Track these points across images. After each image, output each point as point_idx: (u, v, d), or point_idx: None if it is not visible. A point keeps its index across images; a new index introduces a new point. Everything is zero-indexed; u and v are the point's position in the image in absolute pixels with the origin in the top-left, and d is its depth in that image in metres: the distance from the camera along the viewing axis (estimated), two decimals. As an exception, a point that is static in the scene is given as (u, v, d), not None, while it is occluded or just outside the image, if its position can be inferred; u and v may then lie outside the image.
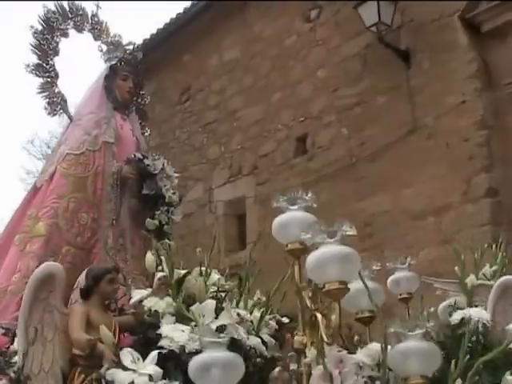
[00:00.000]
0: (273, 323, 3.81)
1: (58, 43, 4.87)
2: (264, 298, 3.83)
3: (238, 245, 11.77)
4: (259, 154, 11.78)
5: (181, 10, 12.93)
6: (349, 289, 2.99)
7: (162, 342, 3.19)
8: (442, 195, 9.27)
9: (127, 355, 3.07)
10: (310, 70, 11.39)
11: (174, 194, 4.79)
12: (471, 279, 4.71)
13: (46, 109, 4.64)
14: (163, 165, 4.77)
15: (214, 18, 12.60)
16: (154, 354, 3.11)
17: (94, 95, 4.76)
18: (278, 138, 11.56)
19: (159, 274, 3.50)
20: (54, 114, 4.69)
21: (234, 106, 12.53)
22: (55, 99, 4.72)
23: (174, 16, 13.08)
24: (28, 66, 4.74)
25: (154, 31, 13.32)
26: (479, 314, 4.16)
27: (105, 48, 5.03)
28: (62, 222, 4.28)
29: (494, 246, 5.32)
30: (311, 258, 2.98)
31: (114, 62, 4.87)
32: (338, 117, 10.73)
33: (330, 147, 10.80)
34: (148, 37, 13.25)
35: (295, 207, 3.26)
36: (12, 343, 3.52)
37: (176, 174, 4.94)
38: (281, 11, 11.87)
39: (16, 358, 3.30)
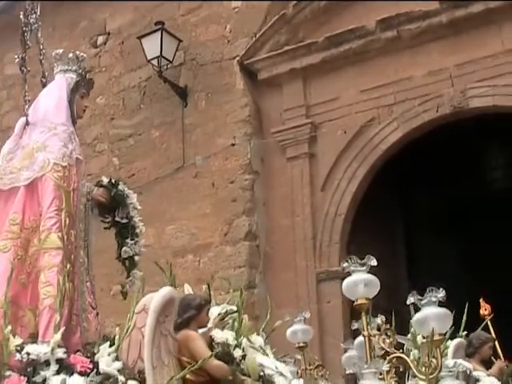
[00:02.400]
0: None
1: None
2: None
3: None
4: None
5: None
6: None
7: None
8: (203, 234, 9.32)
9: None
10: (90, 97, 11.07)
11: (142, 226, 4.83)
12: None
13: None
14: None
15: (-2, 31, 12.06)
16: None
17: (62, 106, 4.51)
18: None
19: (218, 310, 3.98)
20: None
21: (10, 122, 11.99)
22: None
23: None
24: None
25: None
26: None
27: (62, 56, 4.79)
28: (64, 237, 4.11)
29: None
30: (347, 281, 3.84)
31: (77, 78, 4.68)
32: (110, 146, 10.54)
33: (100, 175, 10.52)
34: None
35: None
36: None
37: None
38: (68, 32, 11.57)
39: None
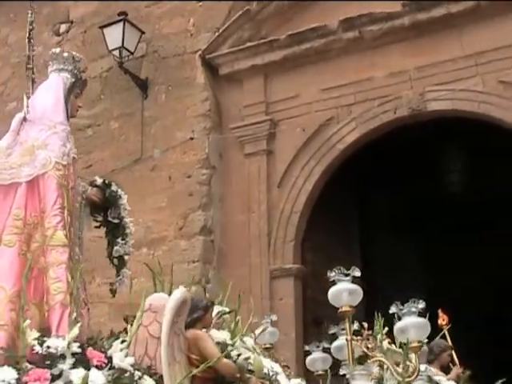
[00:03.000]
0: None
1: None
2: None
3: None
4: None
5: None
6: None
7: None
8: (158, 227, 9.27)
9: None
10: (50, 85, 11.03)
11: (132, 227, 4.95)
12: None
13: None
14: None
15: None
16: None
17: (60, 105, 4.54)
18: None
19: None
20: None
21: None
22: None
23: None
24: None
25: None
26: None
27: (58, 56, 4.78)
28: (67, 235, 4.20)
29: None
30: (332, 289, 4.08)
31: (73, 78, 4.74)
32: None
33: (57, 165, 10.46)
34: None
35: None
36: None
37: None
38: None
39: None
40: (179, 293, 3.73)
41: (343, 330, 4.25)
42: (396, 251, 12.11)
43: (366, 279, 10.49)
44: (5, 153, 4.22)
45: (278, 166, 9.10)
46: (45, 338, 3.44)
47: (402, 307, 3.95)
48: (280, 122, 9.23)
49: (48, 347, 3.32)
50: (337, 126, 8.99)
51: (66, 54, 4.70)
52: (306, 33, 9.12)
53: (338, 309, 4.22)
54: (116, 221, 4.78)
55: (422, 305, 3.93)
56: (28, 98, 4.44)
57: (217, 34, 9.60)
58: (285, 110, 9.22)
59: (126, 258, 4.90)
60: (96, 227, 4.95)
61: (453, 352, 6.99)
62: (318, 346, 5.20)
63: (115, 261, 4.86)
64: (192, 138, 9.36)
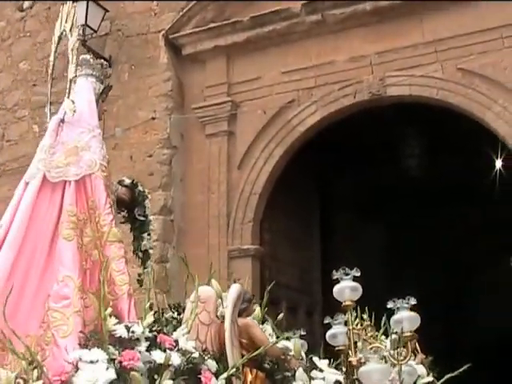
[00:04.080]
0: None
1: None
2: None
3: None
4: None
5: None
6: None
7: None
8: (117, 207, 9.26)
9: None
10: (13, 61, 10.98)
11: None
12: None
13: None
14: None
15: None
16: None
17: (93, 108, 4.71)
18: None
19: None
20: None
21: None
22: None
23: None
24: None
25: None
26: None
27: (87, 62, 4.90)
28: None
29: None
30: (337, 287, 4.58)
31: (102, 84, 4.90)
32: (31, 113, 10.41)
33: (19, 142, 10.43)
34: None
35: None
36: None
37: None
38: (-6, -6, 11.36)
39: None
40: (236, 288, 4.30)
41: (335, 319, 4.70)
42: (356, 234, 12.27)
43: (325, 261, 10.72)
44: (49, 152, 4.31)
45: (239, 147, 9.17)
46: (126, 324, 3.69)
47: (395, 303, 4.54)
48: (241, 103, 9.28)
49: (133, 332, 3.56)
50: (297, 108, 9.06)
51: (94, 61, 4.87)
52: (269, 15, 9.15)
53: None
54: (142, 218, 5.11)
55: (413, 301, 4.52)
56: (72, 101, 4.50)
57: (180, 13, 9.61)
58: (246, 91, 9.27)
59: (150, 251, 5.28)
60: (121, 223, 5.14)
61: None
62: (294, 334, 5.25)
63: (140, 254, 5.19)
64: (154, 118, 9.38)
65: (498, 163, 10.81)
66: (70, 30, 4.79)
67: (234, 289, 4.30)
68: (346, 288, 4.57)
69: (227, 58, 9.47)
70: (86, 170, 4.34)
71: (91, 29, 9.63)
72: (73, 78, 4.55)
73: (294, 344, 4.49)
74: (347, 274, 4.60)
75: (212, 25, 9.43)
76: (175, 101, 9.47)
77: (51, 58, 5.10)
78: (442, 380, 5.05)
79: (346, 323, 4.62)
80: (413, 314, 4.50)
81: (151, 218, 5.24)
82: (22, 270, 3.86)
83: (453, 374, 4.98)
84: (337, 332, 4.67)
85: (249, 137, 9.13)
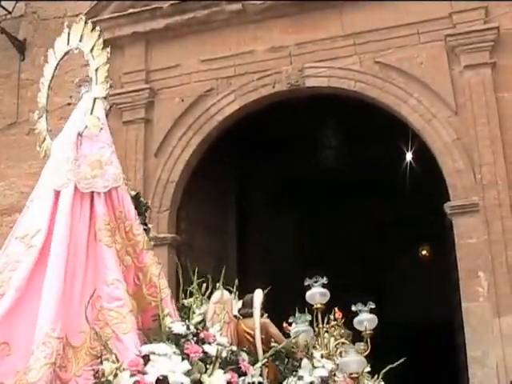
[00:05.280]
0: None
1: None
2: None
3: None
4: None
5: None
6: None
7: None
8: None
9: None
10: None
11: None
12: None
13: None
14: None
15: None
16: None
17: (106, 124, 4.69)
18: None
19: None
20: None
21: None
22: None
23: None
24: None
25: None
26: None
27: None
28: None
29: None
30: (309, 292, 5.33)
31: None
32: None
33: None
34: None
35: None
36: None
37: None
38: None
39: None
40: (260, 292, 4.65)
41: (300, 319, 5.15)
42: (271, 223, 12.33)
43: (241, 250, 10.75)
44: (75, 163, 4.38)
45: (156, 134, 9.08)
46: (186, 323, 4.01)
47: (360, 307, 5.38)
48: (159, 90, 9.19)
49: (189, 329, 3.88)
50: (216, 97, 9.04)
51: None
52: (189, 3, 9.10)
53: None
54: (145, 227, 5.01)
55: (372, 305, 5.39)
56: (98, 118, 4.51)
57: (99, -2, 9.46)
58: (165, 79, 9.19)
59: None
60: None
61: None
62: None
63: None
64: (70, 104, 9.18)
65: (409, 156, 11.06)
66: (92, 50, 4.78)
67: (260, 294, 4.68)
68: (317, 294, 5.32)
69: (146, 44, 9.37)
70: (112, 183, 4.45)
71: (5, 10, 9.40)
72: (99, 97, 4.55)
73: (300, 338, 4.87)
74: (316, 282, 5.33)
75: (131, 10, 9.31)
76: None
77: (49, 72, 5.18)
78: (384, 371, 5.45)
79: (311, 323, 5.20)
80: (372, 315, 5.38)
81: (150, 226, 5.18)
82: (70, 273, 4.02)
83: (392, 366, 5.31)
84: (300, 330, 5.06)
85: (166, 124, 9.06)
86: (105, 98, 4.74)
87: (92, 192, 4.34)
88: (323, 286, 5.33)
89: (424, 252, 14.70)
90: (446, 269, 9.45)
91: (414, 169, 10.96)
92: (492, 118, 8.19)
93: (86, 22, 4.89)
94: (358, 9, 8.79)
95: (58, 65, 5.13)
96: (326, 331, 5.38)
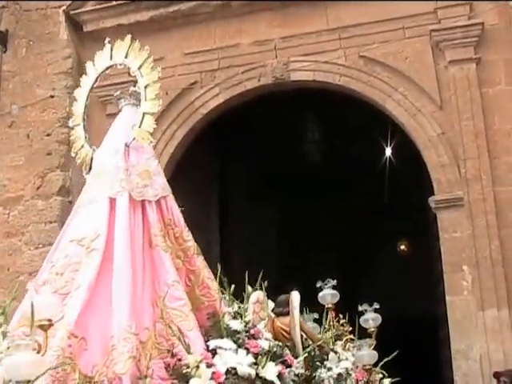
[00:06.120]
0: None
1: None
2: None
3: None
4: None
5: None
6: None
7: None
8: (14, 186, 9.02)
9: None
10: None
11: None
12: None
13: None
14: None
15: None
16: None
17: None
18: None
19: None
20: None
21: None
22: None
23: None
24: None
25: None
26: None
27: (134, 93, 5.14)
28: None
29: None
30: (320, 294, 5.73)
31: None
32: None
33: None
34: None
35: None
36: None
37: None
38: None
39: None
40: (297, 293, 4.88)
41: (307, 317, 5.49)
42: (252, 217, 12.33)
43: (224, 244, 10.73)
44: (126, 173, 4.59)
45: (140, 128, 9.00)
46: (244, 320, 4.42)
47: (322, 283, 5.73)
48: (144, 84, 9.11)
49: (246, 325, 4.29)
50: (200, 90, 9.00)
51: (138, 91, 5.06)
52: (174, -5, 9.04)
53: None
54: None
55: (377, 305, 5.77)
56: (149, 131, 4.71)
57: (82, -11, 9.38)
58: (149, 71, 9.11)
59: None
60: None
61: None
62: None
63: None
64: (52, 96, 9.12)
65: (388, 151, 11.11)
66: (139, 67, 5.01)
67: (297, 295, 4.93)
68: (328, 294, 5.72)
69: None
70: (161, 192, 4.71)
71: (-13, 2, 9.29)
72: (149, 112, 4.77)
73: (325, 336, 5.27)
74: (326, 284, 5.74)
75: (115, 2, 9.24)
76: (75, 79, 9.16)
77: (88, 84, 5.45)
78: (381, 363, 5.58)
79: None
80: (376, 314, 5.78)
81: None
82: (133, 275, 4.25)
83: (388, 359, 5.54)
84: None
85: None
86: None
87: (143, 200, 4.59)
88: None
89: (404, 247, 14.76)
90: (428, 263, 9.51)
91: (396, 164, 11.02)
92: (476, 112, 8.23)
93: (132, 41, 5.24)
94: (343, 3, 8.77)
95: (98, 78, 5.39)
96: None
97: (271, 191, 12.46)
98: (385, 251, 14.41)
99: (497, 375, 7.01)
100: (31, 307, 3.39)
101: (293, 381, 4.32)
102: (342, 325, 5.69)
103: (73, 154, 5.14)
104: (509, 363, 7.58)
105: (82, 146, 5.08)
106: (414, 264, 12.64)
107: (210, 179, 10.50)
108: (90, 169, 4.93)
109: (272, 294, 5.17)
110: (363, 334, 5.80)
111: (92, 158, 4.95)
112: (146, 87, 4.87)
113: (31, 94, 9.23)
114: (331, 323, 5.60)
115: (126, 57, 5.17)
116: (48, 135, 9.02)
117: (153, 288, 4.31)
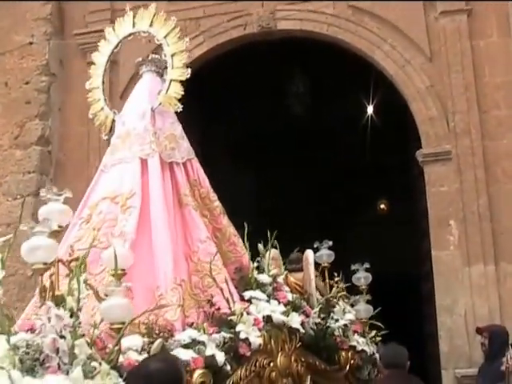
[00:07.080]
0: None
1: None
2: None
3: None
4: None
5: None
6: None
7: None
8: (-8, 136, 8.77)
9: None
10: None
11: None
12: None
13: None
14: None
15: None
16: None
17: None
18: None
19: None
20: None
21: None
22: None
23: None
24: None
25: None
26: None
27: (156, 59, 5.22)
28: None
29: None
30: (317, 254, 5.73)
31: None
32: None
33: None
34: None
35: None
36: None
37: None
38: None
39: None
40: (311, 251, 5.36)
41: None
42: (233, 178, 12.14)
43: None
44: (155, 136, 4.70)
45: (122, 76, 8.72)
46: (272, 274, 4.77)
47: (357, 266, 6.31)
48: (126, 31, 8.85)
49: (274, 278, 4.70)
50: (184, 39, 8.73)
51: (159, 58, 5.15)
52: None
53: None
54: None
55: (367, 265, 6.34)
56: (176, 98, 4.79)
57: None
58: (131, 19, 8.84)
59: None
60: None
61: None
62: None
63: None
64: (31, 43, 8.84)
65: (370, 109, 10.95)
66: (165, 36, 5.12)
67: (311, 253, 5.37)
68: (324, 254, 5.83)
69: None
70: (187, 155, 4.87)
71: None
72: (177, 79, 4.84)
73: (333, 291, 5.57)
74: (322, 245, 5.87)
75: None
76: (54, 25, 8.96)
77: (108, 49, 5.40)
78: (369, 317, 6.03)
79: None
80: (367, 273, 6.25)
81: None
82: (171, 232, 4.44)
83: (373, 313, 6.00)
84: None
85: (132, 66, 8.58)
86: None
87: (171, 162, 4.72)
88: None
89: (388, 202, 14.64)
90: (413, 218, 9.42)
91: (382, 118, 10.87)
92: (467, 65, 8.10)
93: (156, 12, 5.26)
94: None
95: (119, 44, 5.36)
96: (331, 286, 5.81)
97: (252, 146, 12.24)
98: (368, 207, 14.31)
99: (479, 330, 6.94)
100: (114, 258, 3.55)
101: (311, 329, 4.68)
102: (337, 282, 5.87)
103: (90, 116, 5.11)
104: (494, 319, 7.54)
105: (102, 109, 5.06)
106: (397, 220, 12.55)
107: (191, 137, 10.27)
108: (110, 130, 5.00)
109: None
110: (351, 291, 6.08)
111: (113, 121, 4.98)
112: (172, 55, 4.96)
113: (9, 41, 8.94)
114: (326, 281, 5.78)
115: (150, 25, 5.24)
116: (27, 83, 8.76)
117: (185, 243, 4.51)
